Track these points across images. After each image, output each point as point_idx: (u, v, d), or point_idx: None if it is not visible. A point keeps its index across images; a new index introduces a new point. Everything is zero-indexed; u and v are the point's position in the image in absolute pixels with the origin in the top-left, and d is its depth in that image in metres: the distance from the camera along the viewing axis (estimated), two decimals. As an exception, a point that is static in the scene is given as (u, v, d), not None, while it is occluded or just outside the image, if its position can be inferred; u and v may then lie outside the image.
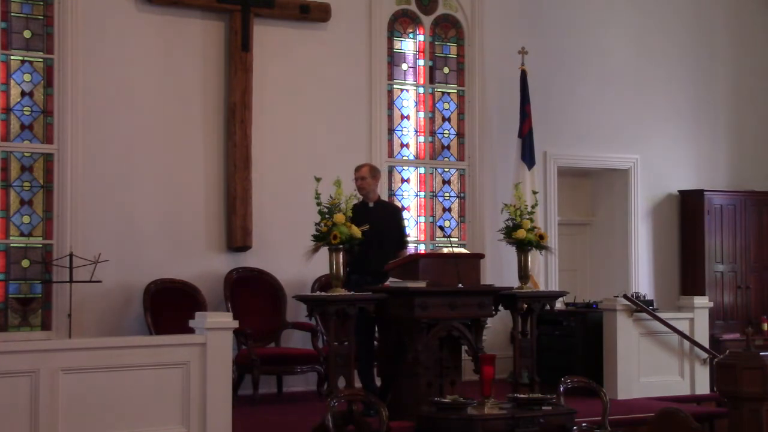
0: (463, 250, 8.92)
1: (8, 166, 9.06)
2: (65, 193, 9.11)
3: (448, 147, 11.07)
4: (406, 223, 9.33)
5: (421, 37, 10.98)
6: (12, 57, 9.12)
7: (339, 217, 7.49)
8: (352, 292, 7.65)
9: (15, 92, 9.13)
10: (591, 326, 9.65)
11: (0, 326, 8.92)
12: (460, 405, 6.89)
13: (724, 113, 12.59)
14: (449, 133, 11.09)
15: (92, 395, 6.58)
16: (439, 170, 11.02)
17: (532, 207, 8.61)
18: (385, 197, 10.10)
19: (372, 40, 10.55)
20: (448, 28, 11.11)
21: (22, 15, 9.17)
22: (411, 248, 9.98)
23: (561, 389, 7.08)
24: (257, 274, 9.71)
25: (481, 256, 8.50)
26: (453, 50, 11.13)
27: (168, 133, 9.56)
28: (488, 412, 6.82)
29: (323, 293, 7.59)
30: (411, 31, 10.95)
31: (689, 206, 12.10)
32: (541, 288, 10.50)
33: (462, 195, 11.07)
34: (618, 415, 8.00)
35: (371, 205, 8.32)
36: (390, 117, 10.72)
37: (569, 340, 9.77)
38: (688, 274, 12.06)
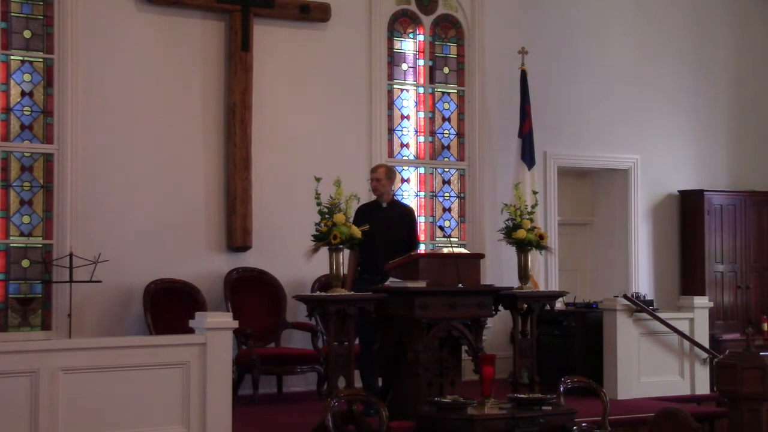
0: (463, 250, 8.92)
1: (8, 166, 9.06)
2: (65, 193, 9.11)
3: (448, 147, 11.08)
4: (419, 224, 9.33)
5: (421, 37, 10.98)
6: (12, 57, 9.12)
7: (339, 217, 7.50)
8: (360, 291, 7.70)
9: (15, 92, 9.13)
10: (591, 326, 9.65)
11: (0, 326, 8.92)
12: (460, 405, 6.88)
13: (724, 113, 12.59)
14: (449, 133, 11.09)
15: (92, 395, 6.58)
16: (439, 170, 11.03)
17: (532, 207, 8.61)
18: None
19: (372, 40, 10.55)
20: (448, 28, 11.11)
21: (22, 15, 9.17)
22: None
23: (561, 389, 7.08)
24: (257, 274, 9.71)
25: (481, 256, 8.50)
26: (453, 50, 11.13)
27: (168, 133, 9.56)
28: (488, 412, 6.81)
29: (323, 293, 7.59)
30: (411, 31, 10.95)
31: (689, 206, 12.10)
32: (541, 288, 10.49)
33: (462, 195, 11.07)
34: (618, 415, 8.01)
35: (384, 205, 8.35)
36: (390, 117, 10.72)
37: (569, 340, 9.77)
38: (688, 274, 12.06)
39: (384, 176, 8.36)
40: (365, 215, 8.01)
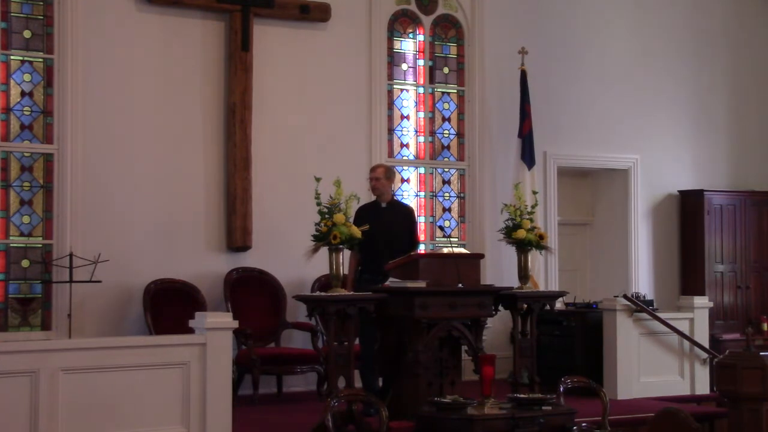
0: (463, 250, 8.92)
1: (8, 166, 9.06)
2: (65, 193, 9.11)
3: (448, 147, 11.08)
4: (419, 225, 9.33)
5: (421, 37, 10.98)
6: (12, 57, 9.12)
7: (339, 217, 7.50)
8: (361, 291, 7.71)
9: (15, 92, 9.13)
10: (591, 326, 9.65)
11: (0, 326, 8.92)
12: (460, 405, 6.88)
13: (724, 113, 12.59)
14: (449, 133, 11.09)
15: (92, 395, 6.58)
16: (439, 170, 11.03)
17: (532, 207, 8.61)
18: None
19: (372, 40, 10.55)
20: (448, 28, 11.11)
21: (22, 15, 9.17)
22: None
23: (561, 389, 7.08)
24: (257, 274, 9.71)
25: (481, 256, 8.50)
26: (453, 50, 11.13)
27: (168, 133, 9.56)
28: (488, 412, 6.82)
29: (323, 293, 7.59)
30: (411, 31, 10.95)
31: (689, 206, 12.10)
32: (541, 288, 10.49)
33: (462, 195, 11.06)
34: (618, 415, 8.01)
35: (384, 205, 8.36)
36: (390, 117, 10.72)
37: (569, 340, 9.77)
38: (688, 274, 12.06)
39: (383, 176, 8.37)
40: (365, 216, 8.02)
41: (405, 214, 8.57)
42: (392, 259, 7.91)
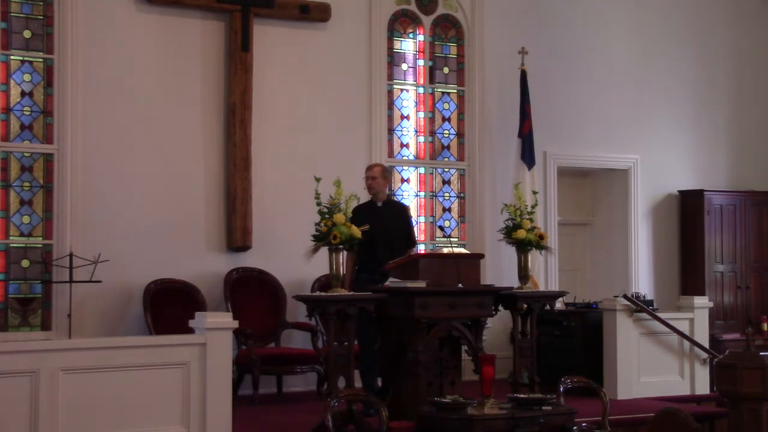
0: (463, 250, 8.93)
1: (8, 166, 9.06)
2: (65, 193, 9.11)
3: (448, 147, 11.08)
4: (418, 225, 9.31)
5: (421, 37, 10.98)
6: (12, 57, 9.12)
7: (339, 217, 7.50)
8: (359, 291, 7.70)
9: (15, 92, 9.13)
10: (591, 326, 9.65)
11: (0, 326, 8.92)
12: (460, 405, 6.88)
13: (724, 113, 12.59)
14: (449, 133, 11.09)
15: (92, 395, 6.58)
16: (439, 170, 11.03)
17: (532, 207, 8.62)
18: (384, 197, 10.11)
19: (372, 40, 10.55)
20: (448, 28, 11.11)
21: (22, 15, 9.17)
22: (411, 248, 9.99)
23: (561, 389, 7.09)
24: (257, 274, 9.71)
25: (481, 256, 8.50)
26: (453, 50, 11.13)
27: (168, 133, 9.56)
28: (488, 412, 6.82)
29: (323, 293, 7.59)
30: (411, 31, 10.95)
31: (689, 206, 12.10)
32: (541, 288, 10.49)
33: (462, 195, 11.07)
34: (618, 415, 8.01)
35: (379, 204, 8.36)
36: (390, 117, 10.72)
37: (569, 340, 9.77)
38: (688, 274, 12.06)
39: (379, 175, 8.38)
40: (362, 215, 8.00)
41: (401, 212, 8.59)
42: (390, 258, 7.92)
